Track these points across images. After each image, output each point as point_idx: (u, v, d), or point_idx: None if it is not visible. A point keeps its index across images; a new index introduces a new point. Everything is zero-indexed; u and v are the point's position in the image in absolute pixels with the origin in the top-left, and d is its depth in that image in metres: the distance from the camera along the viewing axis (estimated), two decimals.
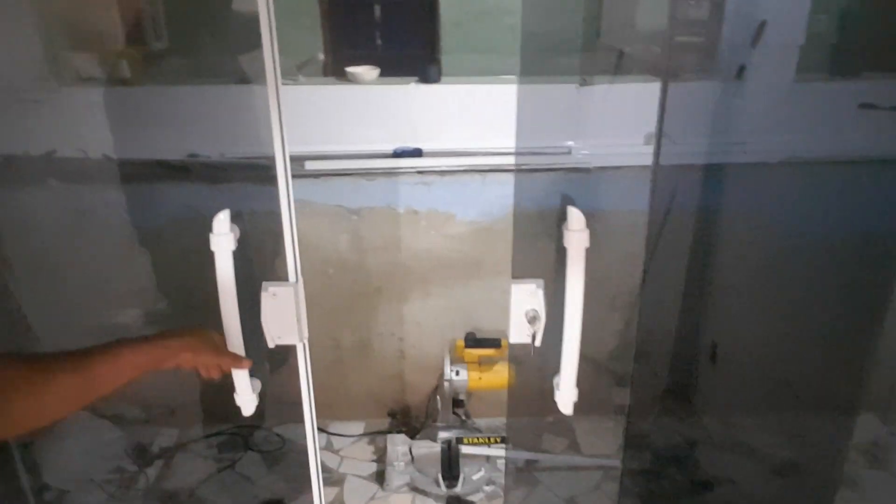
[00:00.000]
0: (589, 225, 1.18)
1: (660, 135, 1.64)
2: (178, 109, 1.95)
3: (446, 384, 1.99)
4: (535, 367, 1.60)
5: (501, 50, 2.22)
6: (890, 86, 1.94)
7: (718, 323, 2.20)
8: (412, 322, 2.20)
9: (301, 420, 1.22)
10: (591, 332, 1.23)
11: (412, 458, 2.10)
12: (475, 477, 2.04)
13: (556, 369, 1.27)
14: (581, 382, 1.26)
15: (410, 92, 2.04)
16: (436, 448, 2.07)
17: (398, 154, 2.01)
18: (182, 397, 2.23)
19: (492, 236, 2.07)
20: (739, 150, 1.99)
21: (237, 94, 1.93)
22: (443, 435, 2.05)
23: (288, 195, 1.08)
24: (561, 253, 1.20)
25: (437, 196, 2.03)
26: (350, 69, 2.07)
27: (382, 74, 2.09)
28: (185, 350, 1.01)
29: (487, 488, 2.06)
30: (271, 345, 1.15)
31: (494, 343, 2.02)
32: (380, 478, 2.11)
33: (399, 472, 2.09)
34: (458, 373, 1.99)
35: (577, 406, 1.28)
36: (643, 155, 1.99)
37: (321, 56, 2.67)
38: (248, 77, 1.86)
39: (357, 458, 2.21)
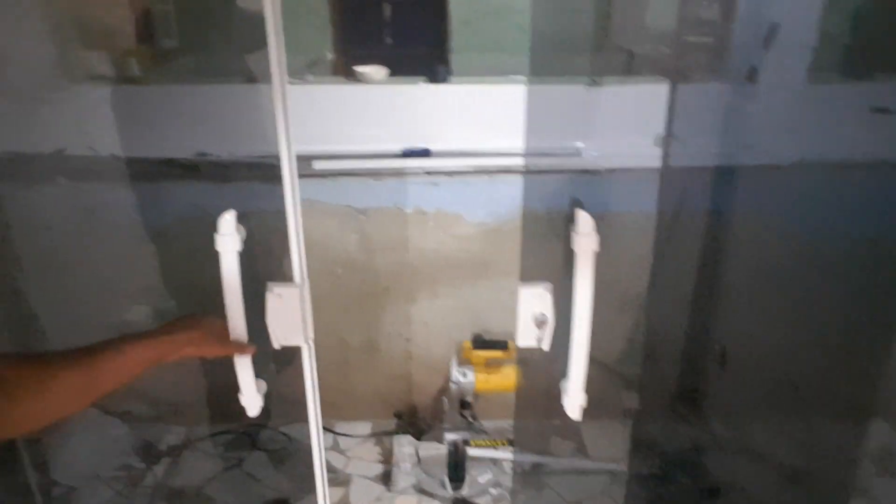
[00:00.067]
0: (597, 227, 1.17)
1: (669, 136, 1.63)
2: (187, 108, 1.95)
3: (453, 386, 1.99)
4: (543, 369, 1.59)
5: (510, 49, 2.22)
6: None
7: (728, 326, 2.17)
8: (420, 322, 2.19)
9: (307, 420, 1.21)
10: (599, 335, 1.21)
11: (418, 459, 2.09)
12: (481, 479, 2.04)
13: (563, 372, 1.26)
14: (589, 386, 1.25)
15: (419, 92, 2.03)
16: (442, 450, 2.06)
17: (406, 154, 2.00)
18: (189, 396, 2.23)
19: (500, 237, 2.06)
20: (750, 152, 1.97)
21: (246, 93, 1.93)
22: (449, 437, 2.04)
23: (294, 195, 1.07)
24: (569, 255, 1.18)
25: (446, 196, 2.02)
26: (359, 68, 2.06)
27: (391, 74, 2.08)
28: (188, 342, 1.02)
29: (494, 491, 2.05)
30: (276, 346, 1.15)
31: (502, 345, 2.01)
32: (386, 479, 2.10)
33: (405, 474, 2.08)
34: (465, 375, 1.98)
35: (584, 410, 1.27)
36: (653, 156, 1.98)
37: (330, 55, 2.67)
38: (257, 76, 1.86)
39: (363, 459, 2.21)
